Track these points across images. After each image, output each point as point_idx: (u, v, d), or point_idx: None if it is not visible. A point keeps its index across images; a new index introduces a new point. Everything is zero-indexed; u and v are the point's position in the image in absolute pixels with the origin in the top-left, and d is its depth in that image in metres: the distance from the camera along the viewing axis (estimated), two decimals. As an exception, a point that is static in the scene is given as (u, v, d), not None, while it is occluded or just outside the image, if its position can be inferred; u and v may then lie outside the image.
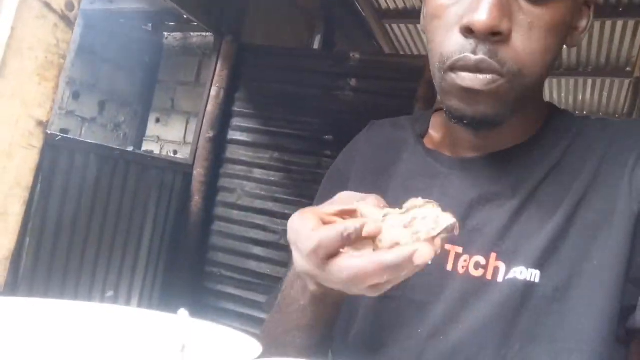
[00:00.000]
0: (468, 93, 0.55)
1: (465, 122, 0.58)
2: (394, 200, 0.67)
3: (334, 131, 2.96)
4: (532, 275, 0.56)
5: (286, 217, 3.08)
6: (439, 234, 0.44)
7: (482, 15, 0.50)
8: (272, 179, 3.12)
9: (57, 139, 2.47)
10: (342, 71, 3.01)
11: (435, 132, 0.72)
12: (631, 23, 4.40)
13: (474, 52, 0.52)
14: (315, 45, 4.27)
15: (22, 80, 0.40)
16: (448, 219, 0.45)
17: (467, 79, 0.53)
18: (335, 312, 0.59)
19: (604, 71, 5.29)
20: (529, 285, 0.56)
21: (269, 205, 3.09)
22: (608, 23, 4.46)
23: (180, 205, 3.25)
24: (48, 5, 0.40)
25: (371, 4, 4.89)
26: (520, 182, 0.60)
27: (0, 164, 0.39)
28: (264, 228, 3.07)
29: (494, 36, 0.52)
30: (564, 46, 0.61)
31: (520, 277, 0.56)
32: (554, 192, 0.59)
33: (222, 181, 3.27)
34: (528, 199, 0.59)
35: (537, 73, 0.56)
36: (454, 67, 0.54)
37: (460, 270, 0.60)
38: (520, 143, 0.63)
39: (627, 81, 5.31)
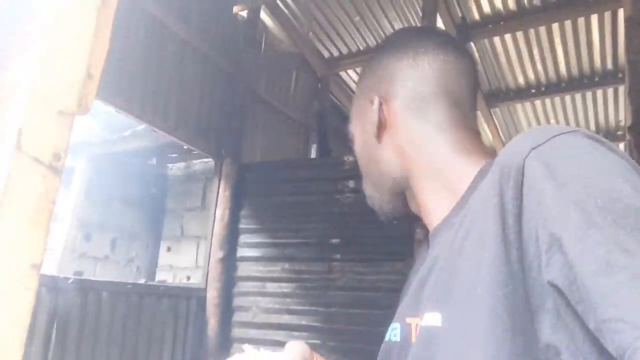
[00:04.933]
0: None
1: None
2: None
3: (341, 234, 2.99)
4: (435, 319, 0.54)
5: (303, 328, 3.00)
6: None
7: None
8: (285, 290, 3.09)
9: (69, 281, 2.50)
10: (340, 175, 3.10)
11: None
12: (610, 90, 4.59)
13: None
14: (312, 154, 4.44)
15: (16, 228, 0.44)
16: None
17: None
18: None
19: (596, 138, 5.42)
20: (434, 330, 0.54)
21: (285, 319, 3.03)
22: (588, 94, 4.66)
23: (196, 332, 3.19)
24: (37, 160, 0.45)
25: (360, 109, 5.14)
26: (452, 243, 0.59)
27: (-4, 308, 0.42)
28: (283, 344, 2.98)
29: None
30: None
31: (426, 324, 0.55)
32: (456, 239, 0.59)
33: (237, 300, 3.24)
34: (450, 254, 0.58)
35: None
36: None
37: None
38: (453, 206, 0.65)
39: (621, 145, 5.41)
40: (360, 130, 0.73)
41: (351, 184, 3.03)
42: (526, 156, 0.49)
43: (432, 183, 0.67)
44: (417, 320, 0.58)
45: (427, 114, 0.69)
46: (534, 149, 0.49)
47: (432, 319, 0.54)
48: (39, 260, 0.48)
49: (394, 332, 0.65)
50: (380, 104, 0.70)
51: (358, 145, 0.74)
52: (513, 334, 0.47)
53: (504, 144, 5.51)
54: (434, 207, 0.67)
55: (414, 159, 0.69)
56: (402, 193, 0.71)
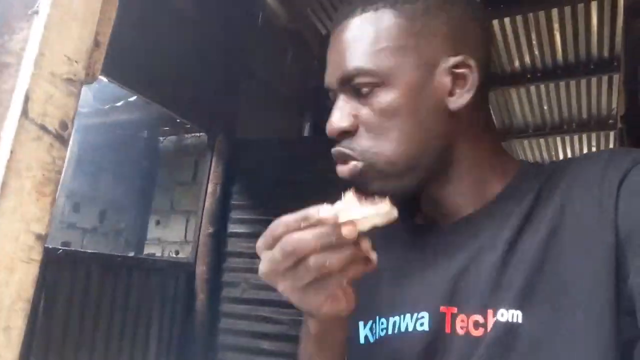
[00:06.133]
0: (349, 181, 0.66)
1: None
2: (396, 272, 0.68)
3: (332, 213, 2.98)
4: (514, 316, 0.55)
5: (291, 305, 3.04)
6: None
7: (329, 123, 0.64)
8: (276, 268, 3.10)
9: (58, 252, 2.48)
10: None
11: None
12: (605, 78, 4.59)
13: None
14: (306, 132, 4.42)
15: (21, 198, 0.43)
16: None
17: (339, 170, 0.67)
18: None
19: (588, 126, 5.44)
20: (514, 327, 0.55)
21: (273, 295, 3.05)
22: (583, 81, 4.65)
23: (185, 306, 3.20)
24: (43, 128, 0.44)
25: (354, 88, 5.11)
26: (499, 235, 0.61)
27: (2, 279, 0.41)
28: (271, 320, 3.01)
29: (346, 134, 0.64)
30: (456, 109, 0.62)
31: (502, 319, 0.56)
32: (530, 236, 0.59)
33: (226, 276, 3.25)
34: (510, 249, 0.60)
35: (406, 145, 0.62)
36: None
37: (460, 332, 0.59)
38: (490, 200, 0.65)
39: (612, 133, 5.44)
40: (418, 83, 0.61)
41: (345, 163, 3.03)
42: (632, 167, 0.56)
43: (473, 172, 0.65)
44: (475, 314, 0.59)
45: (487, 90, 0.69)
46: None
47: (510, 315, 0.56)
48: (44, 231, 0.47)
49: (419, 322, 0.62)
50: (469, 66, 0.62)
51: (404, 101, 0.60)
52: (608, 332, 0.52)
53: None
54: (462, 197, 0.65)
55: (470, 142, 0.65)
56: (429, 177, 0.64)
